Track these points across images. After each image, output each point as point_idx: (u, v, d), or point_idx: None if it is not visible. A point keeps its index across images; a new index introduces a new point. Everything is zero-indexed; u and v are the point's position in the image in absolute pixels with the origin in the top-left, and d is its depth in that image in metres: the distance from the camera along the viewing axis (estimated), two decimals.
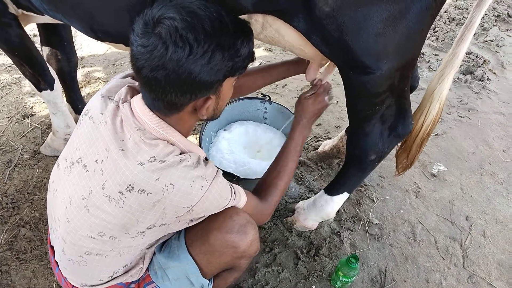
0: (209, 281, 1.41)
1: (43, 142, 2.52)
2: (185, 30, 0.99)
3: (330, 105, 1.64)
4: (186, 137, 1.22)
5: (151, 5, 1.05)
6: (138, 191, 1.09)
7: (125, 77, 1.33)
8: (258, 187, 1.53)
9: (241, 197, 1.32)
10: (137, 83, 1.29)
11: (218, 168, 1.25)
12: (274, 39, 1.35)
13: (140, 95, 1.19)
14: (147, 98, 1.14)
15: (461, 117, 3.05)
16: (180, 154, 1.15)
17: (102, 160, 1.13)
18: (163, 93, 1.07)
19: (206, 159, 1.23)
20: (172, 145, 1.17)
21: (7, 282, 1.88)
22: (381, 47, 1.20)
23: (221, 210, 1.27)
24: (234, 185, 1.32)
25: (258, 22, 1.30)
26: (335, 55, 1.29)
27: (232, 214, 1.31)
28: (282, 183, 1.51)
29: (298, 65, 1.79)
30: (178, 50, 0.99)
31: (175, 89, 1.05)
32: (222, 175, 1.24)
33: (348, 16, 1.12)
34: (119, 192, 1.11)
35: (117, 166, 1.10)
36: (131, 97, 1.22)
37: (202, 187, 1.13)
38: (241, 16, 1.27)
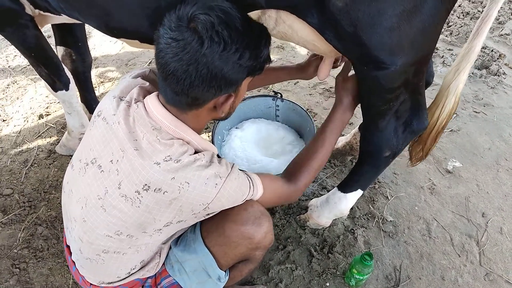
0: (226, 272, 1.43)
1: (59, 142, 2.56)
2: (221, 27, 1.02)
3: None
4: (199, 134, 1.23)
5: (180, 2, 1.08)
6: (155, 190, 1.11)
7: (135, 77, 1.34)
8: (290, 167, 1.53)
9: (258, 190, 1.33)
10: (147, 84, 1.31)
11: (233, 164, 1.26)
12: (287, 34, 1.35)
13: (154, 94, 1.20)
14: (168, 93, 1.15)
15: (476, 112, 3.01)
16: (195, 153, 1.17)
17: (118, 160, 1.15)
18: (190, 87, 1.08)
19: (219, 156, 1.24)
20: (188, 143, 1.18)
21: (25, 279, 1.91)
22: (396, 41, 1.18)
23: (238, 204, 1.28)
24: (252, 176, 1.32)
25: (272, 18, 1.30)
26: (349, 50, 1.28)
27: (247, 206, 1.32)
28: (315, 165, 1.49)
29: (298, 71, 1.85)
30: (213, 45, 1.02)
31: (203, 83, 1.08)
32: (238, 170, 1.24)
33: (362, 11, 1.11)
34: (135, 192, 1.12)
35: (133, 166, 1.12)
36: (143, 97, 1.23)
37: (217, 184, 1.14)
38: (254, 12, 1.28)
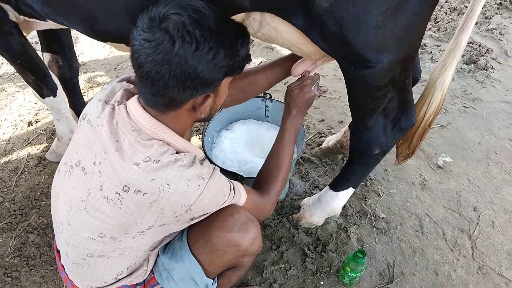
0: (213, 280, 1.41)
1: (49, 148, 2.54)
2: (192, 26, 1.01)
3: (317, 96, 1.61)
4: (181, 136, 1.22)
5: (155, 3, 1.06)
6: (134, 191, 1.10)
7: (120, 81, 1.34)
8: (257, 182, 1.53)
9: (241, 195, 1.32)
10: (132, 86, 1.30)
11: (215, 165, 1.25)
12: (271, 37, 1.35)
13: (135, 97, 1.20)
14: (146, 95, 1.14)
15: (465, 107, 3.03)
16: (176, 153, 1.15)
17: (100, 162, 1.14)
18: (165, 88, 1.07)
19: (204, 158, 1.23)
20: (168, 144, 1.17)
21: (18, 287, 1.90)
22: (381, 40, 1.19)
23: (221, 207, 1.27)
24: (233, 182, 1.32)
25: (256, 20, 1.30)
26: (335, 50, 1.29)
27: (232, 212, 1.30)
28: (280, 176, 1.50)
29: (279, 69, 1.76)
30: (185, 45, 1.01)
31: (178, 84, 1.06)
32: (220, 172, 1.24)
33: (347, 10, 1.11)
34: (116, 193, 1.11)
35: (113, 167, 1.11)
36: (127, 99, 1.22)
37: (199, 185, 1.13)
38: (239, 15, 1.28)
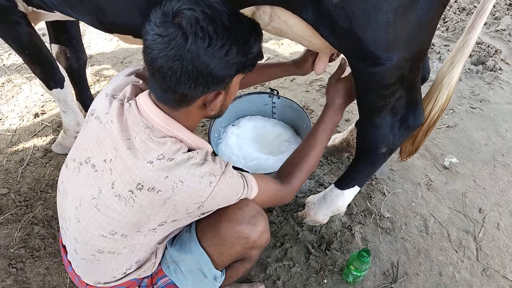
0: (221, 272, 1.42)
1: (54, 141, 2.54)
2: (206, 22, 1.00)
3: None
4: (192, 132, 1.22)
5: None
6: (148, 189, 1.09)
7: (128, 74, 1.33)
8: (283, 168, 1.53)
9: (253, 189, 1.32)
10: (141, 82, 1.29)
11: (227, 162, 1.25)
12: (282, 30, 1.34)
13: (146, 92, 1.19)
14: (157, 91, 1.13)
15: (473, 108, 3.01)
16: (188, 151, 1.16)
17: (111, 160, 1.14)
18: (177, 84, 1.07)
19: (214, 154, 1.23)
20: (181, 141, 1.17)
21: (22, 279, 1.90)
22: (391, 37, 1.18)
23: (233, 203, 1.27)
24: (246, 175, 1.32)
25: (266, 13, 1.29)
26: (345, 46, 1.28)
27: (242, 205, 1.31)
28: (307, 165, 1.50)
29: (294, 67, 1.84)
30: (198, 41, 1.00)
31: (189, 80, 1.06)
32: (232, 169, 1.23)
33: (357, 7, 1.10)
34: (129, 191, 1.11)
35: (126, 165, 1.11)
36: (136, 95, 1.22)
37: (211, 182, 1.13)
38: (249, 8, 1.27)
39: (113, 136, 1.14)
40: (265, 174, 1.56)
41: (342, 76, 1.57)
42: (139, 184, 1.09)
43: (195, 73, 1.05)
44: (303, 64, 1.82)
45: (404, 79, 1.37)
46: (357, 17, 1.12)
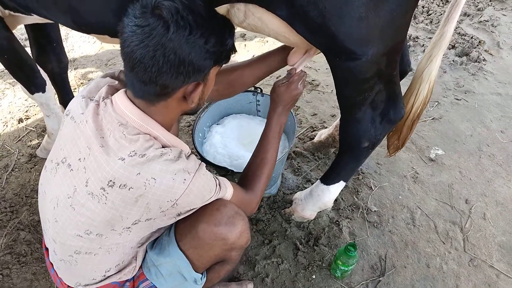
0: (202, 274, 1.41)
1: (39, 145, 2.52)
2: (185, 12, 1.02)
3: (302, 92, 1.60)
4: (168, 131, 1.22)
5: None
6: (120, 186, 1.09)
7: (103, 77, 1.33)
8: (243, 178, 1.53)
9: (227, 189, 1.32)
10: (117, 83, 1.29)
11: (201, 161, 1.25)
12: (257, 27, 1.34)
13: (121, 90, 1.19)
14: (136, 84, 1.12)
15: (457, 99, 3.03)
16: (162, 147, 1.15)
17: (85, 158, 1.13)
18: (159, 75, 1.06)
19: (190, 153, 1.23)
20: (155, 138, 1.16)
21: (9, 285, 1.89)
22: (365, 31, 1.18)
23: (207, 202, 1.26)
24: (219, 177, 1.32)
25: (241, 10, 1.29)
26: (320, 42, 1.28)
27: (219, 206, 1.30)
28: (265, 171, 1.51)
29: (276, 55, 1.73)
30: (179, 30, 1.02)
31: (171, 69, 1.06)
32: (205, 168, 1.23)
33: (329, 2, 1.10)
34: (101, 188, 1.10)
35: (98, 162, 1.10)
36: (112, 95, 1.21)
37: (185, 179, 1.13)
38: (223, 6, 1.27)
39: (87, 135, 1.14)
40: None
41: (286, 80, 1.57)
42: (110, 181, 1.09)
43: (177, 62, 1.05)
44: (270, 58, 1.70)
45: (382, 73, 1.38)
46: (329, 12, 1.13)
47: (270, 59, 1.67)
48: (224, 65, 1.24)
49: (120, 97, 1.16)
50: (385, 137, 1.83)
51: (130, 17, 1.04)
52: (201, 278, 1.40)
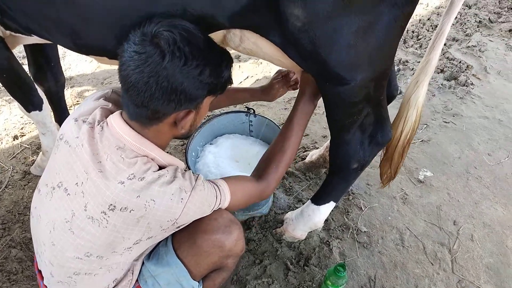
0: (199, 283, 1.45)
1: (33, 163, 2.53)
2: (183, 43, 1.07)
3: None
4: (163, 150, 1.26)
5: (144, 21, 1.13)
6: (121, 209, 1.12)
7: (97, 98, 1.36)
8: (259, 165, 1.55)
9: (226, 198, 1.34)
10: (110, 105, 1.32)
11: (198, 175, 1.28)
12: (252, 51, 1.39)
13: (117, 112, 1.22)
14: (130, 107, 1.16)
15: (446, 122, 3.10)
16: (159, 169, 1.19)
17: (82, 183, 1.16)
18: (151, 100, 1.11)
19: (186, 169, 1.27)
20: (152, 159, 1.20)
21: None
22: (354, 58, 1.24)
23: (207, 214, 1.30)
24: (218, 183, 1.33)
25: (236, 35, 1.35)
26: (311, 67, 1.33)
27: (216, 216, 1.36)
28: (283, 159, 1.51)
29: (261, 93, 1.93)
30: (174, 59, 1.06)
31: (163, 96, 1.10)
32: (203, 181, 1.26)
33: (319, 30, 1.16)
34: (102, 212, 1.13)
35: (97, 187, 1.13)
36: (106, 117, 1.24)
37: (182, 199, 1.16)
38: (220, 31, 1.33)
39: (84, 159, 1.16)
40: None
41: None
42: (111, 205, 1.12)
43: (169, 90, 1.09)
44: (269, 91, 1.91)
45: (370, 97, 1.43)
46: (320, 40, 1.18)
47: (245, 94, 1.93)
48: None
49: (116, 120, 1.20)
50: (379, 166, 1.89)
51: (130, 42, 1.10)
52: (198, 286, 1.43)
